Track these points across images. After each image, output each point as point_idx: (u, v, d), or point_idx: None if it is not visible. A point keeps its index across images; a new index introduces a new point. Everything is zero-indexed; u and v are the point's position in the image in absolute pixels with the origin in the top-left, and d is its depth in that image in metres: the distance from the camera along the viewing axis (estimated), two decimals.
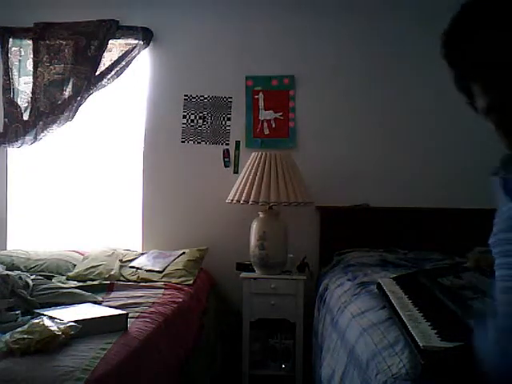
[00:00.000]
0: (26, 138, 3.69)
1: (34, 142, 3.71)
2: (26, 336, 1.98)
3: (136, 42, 3.69)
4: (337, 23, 3.66)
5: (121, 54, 3.69)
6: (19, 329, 2.05)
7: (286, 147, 3.64)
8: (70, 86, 3.67)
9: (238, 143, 3.73)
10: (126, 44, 3.71)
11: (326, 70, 3.67)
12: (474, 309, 1.65)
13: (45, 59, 3.71)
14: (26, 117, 3.73)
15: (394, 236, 3.47)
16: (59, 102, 3.67)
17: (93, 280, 3.23)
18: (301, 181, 3.35)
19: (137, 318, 2.48)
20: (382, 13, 3.63)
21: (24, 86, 3.77)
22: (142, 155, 3.81)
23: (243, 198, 3.30)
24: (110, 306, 2.58)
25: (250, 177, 3.33)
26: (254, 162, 3.37)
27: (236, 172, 3.70)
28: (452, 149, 3.62)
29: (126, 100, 3.86)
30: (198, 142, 3.77)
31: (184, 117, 3.77)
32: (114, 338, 2.17)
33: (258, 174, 3.31)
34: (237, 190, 3.37)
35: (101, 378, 1.82)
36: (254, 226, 3.36)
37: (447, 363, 1.37)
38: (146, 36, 3.69)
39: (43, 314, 2.26)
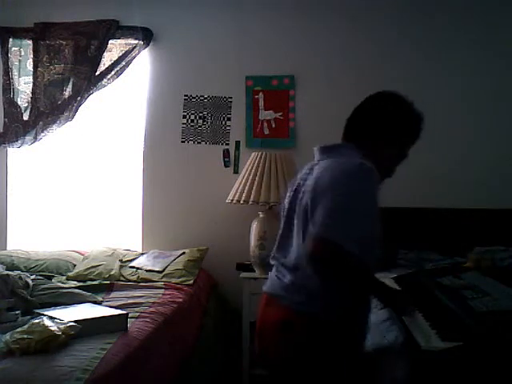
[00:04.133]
0: (26, 137, 3.69)
1: (34, 141, 3.71)
2: (26, 336, 1.98)
3: (136, 41, 3.69)
4: (337, 22, 3.66)
5: (121, 54, 3.69)
6: (19, 329, 2.05)
7: (286, 147, 3.64)
8: (69, 86, 3.67)
9: (237, 143, 3.73)
10: (126, 44, 3.71)
11: (326, 70, 3.67)
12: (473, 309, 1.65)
13: (45, 59, 3.70)
14: (26, 117, 3.73)
15: (394, 236, 3.46)
16: (59, 102, 3.67)
17: (93, 280, 3.23)
18: None
19: (137, 318, 2.49)
20: (382, 12, 3.63)
21: (24, 86, 3.77)
22: (142, 155, 3.81)
23: (243, 198, 3.30)
24: (110, 306, 2.58)
25: (250, 177, 3.33)
26: (254, 162, 3.37)
27: (236, 172, 3.70)
28: (452, 149, 3.62)
29: (126, 100, 3.85)
30: (198, 142, 3.77)
31: (184, 117, 3.76)
32: (114, 338, 2.17)
33: (258, 173, 3.31)
34: (237, 189, 3.37)
35: (101, 377, 1.82)
36: (254, 226, 3.36)
37: (447, 363, 1.37)
38: (146, 36, 3.68)
39: (43, 314, 2.26)
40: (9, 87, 3.75)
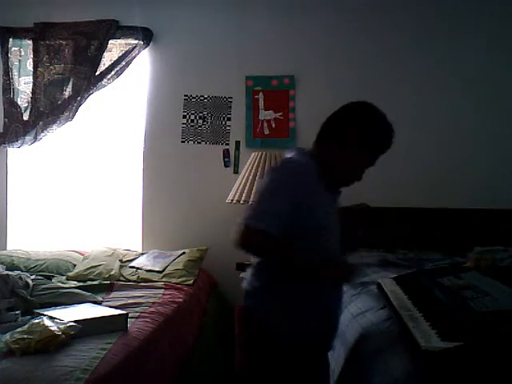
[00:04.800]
0: (26, 138, 3.69)
1: (33, 141, 3.71)
2: (26, 336, 1.98)
3: (136, 41, 3.69)
4: (337, 22, 3.66)
5: (121, 54, 3.69)
6: (19, 329, 2.05)
7: (285, 147, 3.62)
8: (69, 86, 3.67)
9: (237, 143, 3.73)
10: (126, 44, 3.71)
11: (326, 70, 3.67)
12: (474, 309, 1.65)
13: (45, 59, 3.71)
14: (26, 117, 3.73)
15: (394, 236, 3.47)
16: (59, 102, 3.67)
17: (93, 280, 3.23)
18: None
19: (137, 318, 2.48)
20: (382, 12, 3.63)
21: (24, 86, 3.77)
22: (142, 155, 3.81)
23: (243, 198, 3.30)
24: (110, 306, 2.58)
25: (250, 177, 3.33)
26: (254, 162, 3.37)
27: (236, 172, 3.70)
28: (452, 149, 3.62)
29: (126, 100, 3.86)
30: (198, 142, 3.77)
31: (184, 117, 3.76)
32: (114, 338, 2.17)
33: (258, 174, 3.31)
34: (237, 189, 3.37)
35: (101, 377, 1.82)
36: None
37: (447, 363, 1.36)
38: (146, 36, 3.69)
39: (43, 314, 2.26)
40: (9, 87, 3.75)
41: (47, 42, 3.71)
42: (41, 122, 3.67)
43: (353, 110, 1.85)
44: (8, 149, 3.82)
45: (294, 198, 1.66)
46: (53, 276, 3.28)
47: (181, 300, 2.91)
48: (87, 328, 2.16)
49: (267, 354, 1.74)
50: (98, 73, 3.67)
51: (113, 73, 3.68)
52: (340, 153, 1.79)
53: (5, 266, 3.18)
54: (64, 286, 2.95)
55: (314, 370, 1.81)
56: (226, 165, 3.74)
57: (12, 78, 3.76)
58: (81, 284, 3.13)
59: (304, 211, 1.67)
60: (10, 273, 2.70)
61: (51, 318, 2.18)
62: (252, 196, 3.25)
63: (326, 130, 1.85)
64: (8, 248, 3.82)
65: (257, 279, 1.79)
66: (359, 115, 1.83)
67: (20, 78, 3.78)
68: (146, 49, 3.73)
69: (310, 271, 1.69)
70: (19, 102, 3.76)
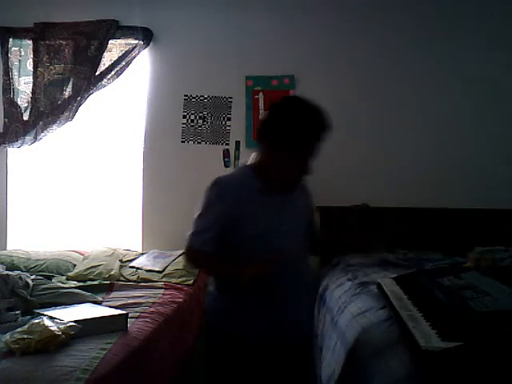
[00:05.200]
0: (26, 138, 3.69)
1: (33, 141, 3.71)
2: (26, 336, 1.98)
3: (136, 41, 3.69)
4: (337, 22, 3.66)
5: (121, 54, 3.69)
6: (19, 329, 2.05)
7: None
8: (70, 86, 3.67)
9: (237, 143, 3.73)
10: (126, 44, 3.71)
11: (326, 70, 3.67)
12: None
13: (45, 59, 3.71)
14: (26, 117, 3.73)
15: (394, 236, 3.47)
16: (59, 102, 3.67)
17: (93, 280, 3.23)
18: None
19: (137, 318, 2.49)
20: (382, 12, 3.63)
21: (24, 86, 3.77)
22: (142, 155, 3.81)
23: None
24: (110, 306, 2.58)
25: None
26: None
27: None
28: (452, 149, 3.62)
29: (126, 100, 3.85)
30: (198, 142, 3.77)
31: (184, 117, 3.76)
32: (114, 338, 2.17)
33: None
34: None
35: (101, 377, 1.82)
36: None
37: (447, 363, 1.36)
38: (146, 36, 3.69)
39: (43, 314, 2.26)
40: (9, 87, 3.75)
41: (47, 41, 3.70)
42: (41, 122, 3.67)
43: (273, 107, 1.82)
44: (8, 149, 3.82)
45: (225, 213, 1.77)
46: (53, 276, 3.28)
47: (181, 300, 2.91)
48: (87, 328, 2.16)
49: (216, 350, 1.88)
50: (98, 73, 3.67)
51: (113, 73, 3.68)
52: (272, 153, 1.78)
53: (5, 266, 3.17)
54: (64, 285, 2.95)
55: (262, 370, 1.81)
56: (226, 165, 3.74)
57: (12, 78, 3.76)
58: (81, 284, 3.13)
59: (238, 222, 1.75)
60: (10, 273, 2.70)
61: (51, 317, 2.18)
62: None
63: (259, 133, 1.84)
64: (8, 248, 3.82)
65: (212, 281, 1.93)
66: (277, 110, 1.79)
67: (20, 78, 3.78)
68: (146, 49, 3.73)
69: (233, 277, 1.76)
70: (19, 102, 3.76)
